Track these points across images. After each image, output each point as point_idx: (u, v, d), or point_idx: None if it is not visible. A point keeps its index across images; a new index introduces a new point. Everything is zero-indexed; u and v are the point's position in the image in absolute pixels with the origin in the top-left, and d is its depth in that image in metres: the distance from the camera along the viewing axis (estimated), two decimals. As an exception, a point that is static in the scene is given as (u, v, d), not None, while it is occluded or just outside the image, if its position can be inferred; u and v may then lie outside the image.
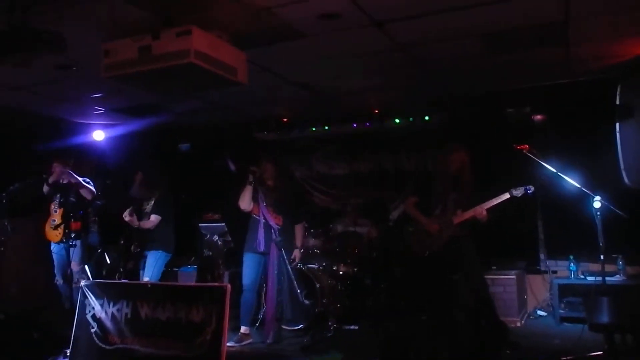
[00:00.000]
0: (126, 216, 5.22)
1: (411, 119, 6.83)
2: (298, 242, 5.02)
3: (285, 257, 4.68)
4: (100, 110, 6.50)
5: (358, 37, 4.41)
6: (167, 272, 6.05)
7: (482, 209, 4.62)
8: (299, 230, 5.08)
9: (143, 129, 7.25)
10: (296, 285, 4.83)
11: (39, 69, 4.83)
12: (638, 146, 4.70)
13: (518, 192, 4.59)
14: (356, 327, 5.54)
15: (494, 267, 5.88)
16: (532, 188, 4.58)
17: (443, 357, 3.87)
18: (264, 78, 5.32)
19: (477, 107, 6.36)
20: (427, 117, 6.74)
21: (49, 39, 3.50)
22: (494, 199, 4.64)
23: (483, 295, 4.70)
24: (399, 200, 6.79)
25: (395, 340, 4.86)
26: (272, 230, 4.65)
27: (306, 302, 5.67)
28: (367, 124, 7.03)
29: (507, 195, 4.61)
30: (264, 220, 4.70)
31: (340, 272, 5.93)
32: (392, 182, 6.99)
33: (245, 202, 4.76)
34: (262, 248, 4.73)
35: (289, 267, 4.77)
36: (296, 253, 4.89)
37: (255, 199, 4.79)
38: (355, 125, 7.13)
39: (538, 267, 6.28)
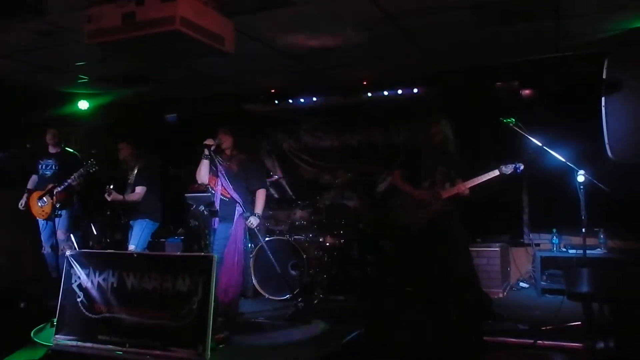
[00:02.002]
0: (108, 197, 5.19)
1: (400, 91, 6.79)
2: (257, 209, 4.76)
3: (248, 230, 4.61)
4: (84, 78, 6.37)
5: (348, 7, 4.34)
6: (154, 243, 6.06)
7: (465, 187, 4.63)
8: (258, 196, 4.81)
9: (129, 99, 7.13)
10: (272, 257, 4.82)
11: (20, 35, 4.72)
12: (623, 120, 4.71)
13: (507, 169, 4.59)
14: (342, 298, 5.62)
15: (478, 240, 5.94)
16: (522, 166, 4.57)
17: (427, 329, 3.92)
18: (252, 48, 5.24)
19: (466, 80, 6.33)
20: (415, 90, 6.71)
21: (28, 1, 3.40)
22: (483, 176, 4.65)
23: (467, 268, 4.75)
24: (386, 172, 6.80)
25: (380, 311, 4.93)
26: (236, 204, 4.53)
27: (293, 272, 5.73)
28: (356, 96, 6.98)
29: (496, 172, 4.62)
30: (220, 195, 4.60)
31: (327, 244, 5.97)
32: (381, 156, 6.98)
33: (201, 175, 4.64)
34: (219, 220, 4.58)
35: (261, 239, 4.68)
36: (252, 219, 4.62)
37: (214, 172, 4.64)
38: (344, 97, 7.08)
39: (522, 240, 6.37)
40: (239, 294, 4.54)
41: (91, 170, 5.33)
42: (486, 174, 4.64)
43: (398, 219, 5.00)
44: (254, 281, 5.80)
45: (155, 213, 5.45)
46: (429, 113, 5.21)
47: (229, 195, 4.58)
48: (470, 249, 5.13)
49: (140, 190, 5.34)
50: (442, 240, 4.69)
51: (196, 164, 4.70)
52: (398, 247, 5.60)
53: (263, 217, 6.30)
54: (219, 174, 4.55)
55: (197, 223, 5.66)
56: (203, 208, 4.49)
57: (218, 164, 4.57)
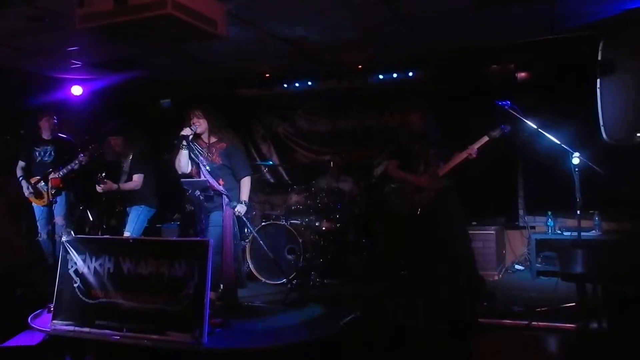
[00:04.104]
0: (100, 188, 5.15)
1: (395, 75, 6.76)
2: (243, 196, 4.64)
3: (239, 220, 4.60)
4: (77, 64, 6.31)
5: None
6: (150, 229, 6.06)
7: (464, 154, 4.66)
8: (244, 184, 4.68)
9: (122, 84, 7.08)
10: (262, 244, 4.81)
11: (11, 20, 4.66)
12: (617, 102, 4.75)
13: (496, 132, 4.64)
14: (338, 282, 5.65)
15: (474, 223, 5.97)
16: (509, 127, 4.62)
17: (422, 312, 3.96)
18: (246, 32, 5.19)
19: (461, 63, 6.31)
20: (410, 74, 6.68)
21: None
22: (474, 144, 4.68)
23: (465, 249, 4.79)
24: (382, 156, 6.80)
25: (376, 294, 4.97)
26: (222, 194, 4.46)
27: (289, 257, 5.75)
28: (351, 80, 6.95)
29: (485, 138, 4.66)
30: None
31: (323, 228, 5.98)
32: (376, 140, 6.98)
33: (181, 166, 4.49)
34: (204, 211, 4.58)
35: (251, 228, 4.61)
36: (238, 207, 4.53)
37: (195, 161, 4.53)
38: (338, 81, 7.04)
39: (517, 223, 6.41)
40: (234, 280, 4.54)
41: (96, 154, 5.30)
42: (477, 142, 4.67)
43: (395, 203, 5.02)
44: (251, 266, 5.83)
45: (151, 199, 5.43)
46: (420, 98, 5.22)
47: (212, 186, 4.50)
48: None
49: (137, 178, 5.31)
50: (443, 221, 4.72)
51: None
52: (395, 230, 5.62)
53: (258, 202, 6.34)
54: (200, 165, 4.48)
55: (192, 208, 5.65)
56: (199, 193, 4.47)
57: (198, 154, 4.50)
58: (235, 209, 4.51)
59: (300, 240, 5.66)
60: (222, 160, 4.62)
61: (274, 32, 5.31)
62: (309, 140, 7.48)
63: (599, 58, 4.83)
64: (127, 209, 5.36)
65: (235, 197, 4.56)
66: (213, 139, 4.68)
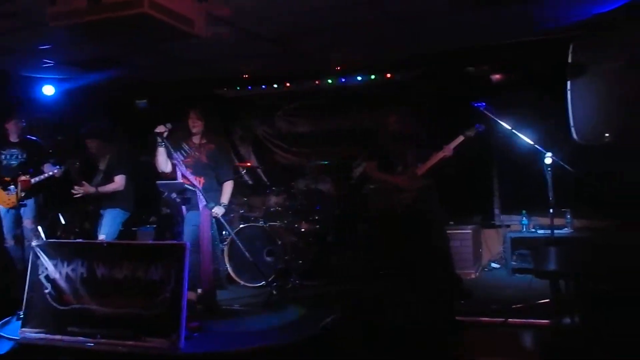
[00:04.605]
0: (78, 191, 5.04)
1: (373, 76, 6.79)
2: (223, 199, 4.68)
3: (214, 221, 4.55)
4: (49, 63, 6.17)
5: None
6: (126, 232, 5.95)
7: (441, 153, 4.70)
8: (226, 188, 4.72)
9: (97, 84, 6.95)
10: (241, 246, 4.77)
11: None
12: (586, 104, 4.87)
13: (470, 132, 4.71)
14: (318, 284, 5.64)
15: (451, 222, 6.03)
16: (483, 126, 4.69)
17: (401, 311, 3.97)
18: (224, 31, 5.13)
19: (439, 65, 6.37)
20: (388, 75, 6.71)
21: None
22: (451, 143, 4.73)
23: (446, 249, 4.83)
24: (361, 157, 6.82)
25: (356, 295, 4.97)
26: (198, 193, 4.43)
27: (268, 259, 5.72)
28: (330, 80, 6.96)
29: (461, 138, 4.72)
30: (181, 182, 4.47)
31: (303, 230, 5.96)
32: (355, 141, 6.99)
33: (160, 165, 4.51)
34: (187, 209, 4.55)
35: (229, 230, 4.60)
36: (216, 209, 4.53)
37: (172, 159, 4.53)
38: (318, 82, 7.05)
39: (493, 222, 6.51)
40: (213, 282, 4.50)
41: (76, 165, 5.18)
42: (453, 142, 4.72)
43: (375, 204, 5.05)
44: (229, 269, 5.77)
45: (127, 202, 5.32)
46: (399, 99, 5.27)
47: (189, 183, 4.48)
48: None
49: (120, 179, 5.17)
50: (426, 220, 4.75)
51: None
52: (374, 231, 5.65)
53: (237, 204, 6.28)
54: (176, 162, 4.45)
55: (168, 211, 5.58)
56: (175, 196, 4.41)
57: (178, 153, 4.48)
58: (213, 210, 4.47)
59: (280, 242, 5.63)
60: (209, 160, 4.64)
61: (254, 31, 5.27)
62: (288, 142, 7.45)
63: (569, 60, 4.94)
64: (102, 211, 5.25)
65: (214, 199, 4.54)
66: (204, 140, 4.71)
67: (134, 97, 7.67)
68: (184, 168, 4.44)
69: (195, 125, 4.64)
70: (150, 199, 6.41)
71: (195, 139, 4.70)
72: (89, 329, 3.58)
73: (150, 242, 5.85)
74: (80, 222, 5.40)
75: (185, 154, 4.64)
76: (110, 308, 3.59)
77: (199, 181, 4.55)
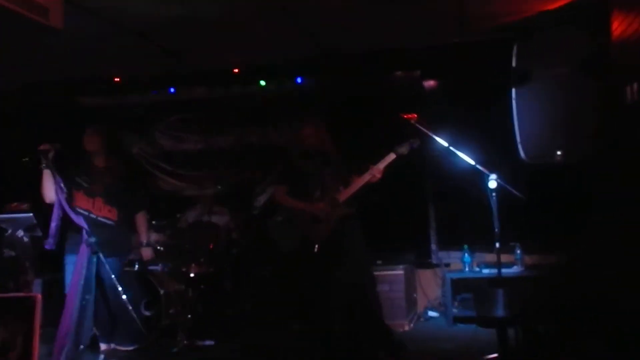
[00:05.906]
0: None
1: (279, 82, 6.92)
2: (143, 237, 4.90)
3: (106, 261, 4.50)
4: None
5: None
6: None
7: (367, 175, 4.81)
8: (140, 221, 4.94)
9: None
10: (123, 297, 4.64)
11: None
12: (535, 116, 5.04)
13: (403, 148, 4.83)
14: (212, 343, 5.57)
15: (379, 262, 6.18)
16: (418, 142, 4.83)
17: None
18: (87, 22, 5.05)
19: (360, 68, 6.59)
20: (299, 80, 6.88)
21: None
22: (379, 163, 4.82)
23: (369, 293, 4.91)
24: (267, 182, 6.88)
25: (259, 354, 4.96)
26: (83, 228, 4.38)
27: (147, 313, 5.58)
28: (226, 87, 7.03)
29: (392, 156, 4.83)
30: (60, 213, 4.43)
31: (192, 275, 5.90)
32: (259, 160, 7.08)
33: (46, 192, 4.54)
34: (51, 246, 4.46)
35: (112, 274, 4.60)
36: (144, 252, 4.82)
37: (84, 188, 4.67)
38: (209, 89, 7.11)
39: (429, 260, 6.74)
40: (69, 344, 4.35)
41: None
42: (382, 160, 4.81)
43: (284, 239, 5.07)
44: (93, 328, 5.56)
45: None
46: (309, 109, 5.37)
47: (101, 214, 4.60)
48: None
49: None
50: (345, 257, 4.81)
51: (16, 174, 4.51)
52: (285, 273, 5.67)
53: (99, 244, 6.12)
54: (58, 188, 4.38)
55: (13, 253, 5.33)
56: (22, 233, 4.26)
57: (55, 175, 4.43)
58: (141, 253, 4.71)
59: (162, 292, 5.54)
60: (123, 184, 4.79)
61: (126, 24, 5.22)
62: (173, 163, 7.41)
63: (513, 65, 5.19)
64: None
65: (120, 235, 4.63)
66: (109, 163, 4.87)
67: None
68: (63, 196, 4.37)
69: (89, 143, 4.75)
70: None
71: (99, 160, 4.79)
72: None
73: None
74: None
75: (88, 181, 4.70)
76: None
77: (113, 212, 4.68)
